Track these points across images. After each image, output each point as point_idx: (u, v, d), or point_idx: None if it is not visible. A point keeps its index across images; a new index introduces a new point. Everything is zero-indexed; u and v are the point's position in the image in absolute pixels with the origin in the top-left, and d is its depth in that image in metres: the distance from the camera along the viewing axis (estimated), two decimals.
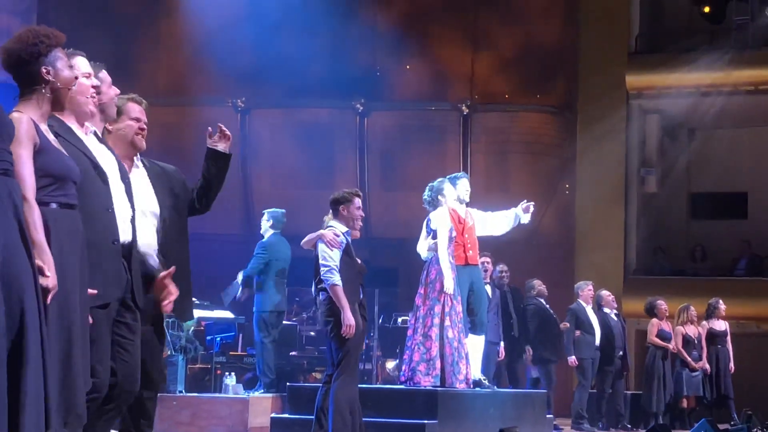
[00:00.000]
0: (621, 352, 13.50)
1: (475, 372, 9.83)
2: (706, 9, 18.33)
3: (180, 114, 16.59)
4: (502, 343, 12.23)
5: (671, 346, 13.68)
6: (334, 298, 7.72)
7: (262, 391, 11.25)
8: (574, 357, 13.10)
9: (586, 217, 17.66)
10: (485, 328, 10.22)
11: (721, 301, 14.35)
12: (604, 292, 13.69)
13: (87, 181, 4.24)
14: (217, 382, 12.21)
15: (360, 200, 8.07)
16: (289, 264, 11.61)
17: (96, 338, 4.24)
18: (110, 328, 4.40)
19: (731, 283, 17.09)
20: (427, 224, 9.65)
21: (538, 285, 13.31)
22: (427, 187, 9.74)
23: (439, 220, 9.54)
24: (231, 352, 13.50)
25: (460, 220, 9.90)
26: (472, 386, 9.55)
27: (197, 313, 10.97)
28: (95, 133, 4.60)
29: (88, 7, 16.99)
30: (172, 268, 4.78)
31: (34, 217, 3.78)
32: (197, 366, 13.04)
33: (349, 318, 7.66)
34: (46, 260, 3.74)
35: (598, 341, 13.23)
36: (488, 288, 11.73)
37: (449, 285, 9.39)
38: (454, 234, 9.61)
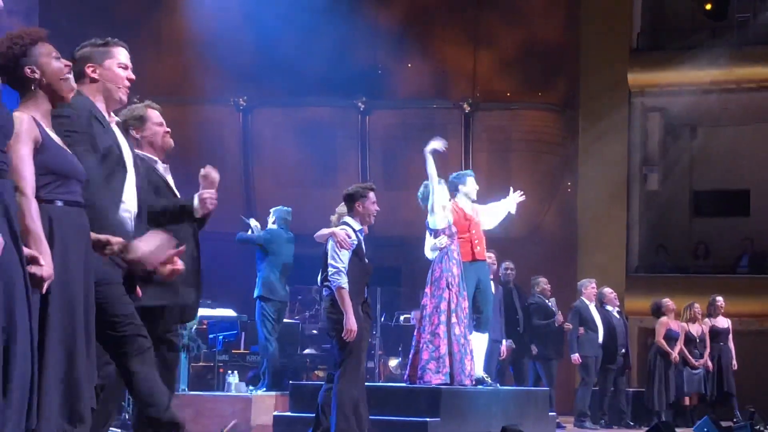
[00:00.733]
0: (623, 350, 13.50)
1: (478, 370, 9.83)
2: (708, 6, 18.32)
3: (182, 113, 16.59)
4: (504, 341, 12.24)
5: (674, 354, 13.64)
6: (339, 301, 7.67)
7: (265, 389, 11.26)
8: (577, 355, 13.10)
9: (589, 215, 17.66)
10: (490, 326, 10.23)
11: (719, 298, 14.34)
12: (607, 290, 13.69)
13: (111, 166, 4.40)
14: (220, 380, 12.22)
15: (374, 194, 7.98)
16: (292, 261, 11.62)
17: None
18: None
19: (734, 280, 17.09)
20: (426, 225, 9.64)
21: (543, 283, 13.32)
22: (422, 185, 9.70)
23: (438, 219, 9.52)
24: (234, 351, 13.52)
25: (467, 216, 9.90)
26: (474, 383, 9.54)
27: (200, 311, 10.96)
28: (117, 123, 4.72)
29: (89, 7, 17.00)
30: (183, 247, 4.62)
31: (31, 209, 3.77)
32: (200, 364, 13.06)
33: (351, 323, 7.61)
34: (41, 250, 3.72)
35: (601, 339, 13.23)
36: (492, 285, 11.71)
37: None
38: (455, 230, 9.61)
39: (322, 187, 16.76)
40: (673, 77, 17.44)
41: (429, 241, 9.58)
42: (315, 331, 14.22)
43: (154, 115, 5.47)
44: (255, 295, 11.49)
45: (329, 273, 7.75)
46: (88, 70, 4.59)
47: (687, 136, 19.01)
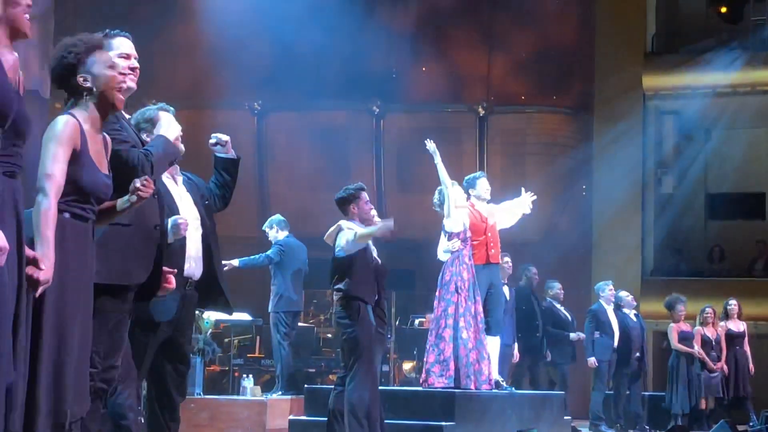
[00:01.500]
0: (638, 354, 13.46)
1: (494, 373, 9.82)
2: (723, 9, 18.30)
3: (197, 117, 16.63)
4: (516, 344, 12.22)
5: (695, 350, 13.58)
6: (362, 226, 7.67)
7: (280, 393, 11.26)
8: (593, 359, 13.07)
9: (603, 218, 17.64)
10: (501, 330, 10.21)
11: (733, 301, 14.28)
12: (624, 293, 13.65)
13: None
14: (235, 384, 12.24)
15: (365, 194, 7.99)
16: (306, 266, 11.60)
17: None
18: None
19: (749, 283, 17.03)
20: (443, 227, 9.65)
21: (557, 288, 13.30)
22: (437, 191, 9.70)
23: (453, 223, 9.52)
24: (249, 355, 13.54)
25: (482, 218, 9.91)
26: (494, 387, 9.53)
27: (215, 315, 10.98)
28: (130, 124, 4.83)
29: (105, 12, 17.05)
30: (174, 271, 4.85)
31: (49, 212, 3.76)
32: (215, 368, 13.09)
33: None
34: (46, 254, 3.69)
35: (615, 343, 13.20)
36: (505, 289, 11.71)
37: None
38: (469, 234, 9.61)
39: (336, 190, 16.64)
40: (687, 80, 17.41)
41: (443, 242, 9.59)
42: (330, 335, 14.25)
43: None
44: (270, 309, 11.44)
45: (338, 242, 7.75)
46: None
47: (702, 138, 18.96)
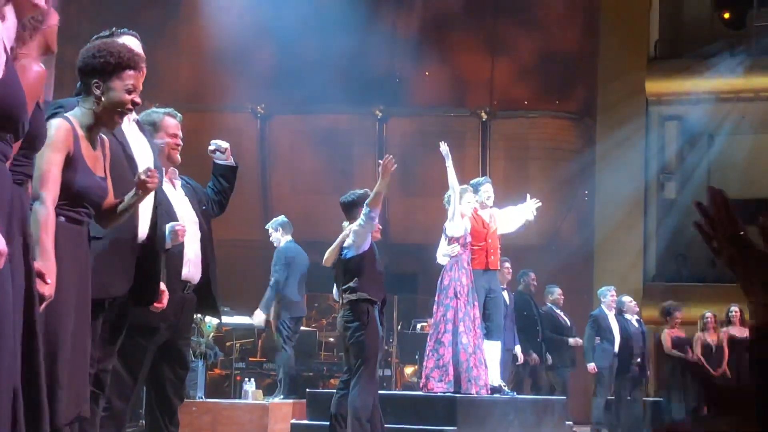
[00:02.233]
0: (639, 359, 13.45)
1: (494, 378, 9.82)
2: (727, 15, 18.29)
3: (200, 120, 16.62)
4: (517, 347, 12.19)
5: (690, 354, 13.59)
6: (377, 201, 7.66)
7: (282, 396, 11.26)
8: (593, 364, 13.06)
9: (606, 223, 17.63)
10: (501, 334, 10.21)
11: (735, 308, 14.26)
12: (626, 298, 13.65)
13: (118, 171, 4.33)
14: (237, 388, 12.23)
15: None
16: (308, 269, 11.59)
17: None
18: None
19: None
20: (444, 230, 9.65)
21: (558, 293, 13.30)
22: (450, 189, 9.70)
23: (455, 227, 9.52)
24: (251, 358, 13.54)
25: (485, 224, 9.91)
26: (490, 392, 9.53)
27: (216, 319, 10.96)
28: (137, 122, 4.76)
29: (109, 14, 17.05)
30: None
31: (48, 221, 3.76)
32: (217, 372, 13.08)
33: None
34: (49, 267, 3.70)
35: (616, 349, 13.19)
36: (505, 294, 11.71)
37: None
38: (469, 239, 9.61)
39: (339, 194, 16.60)
40: (690, 85, 17.41)
41: (443, 246, 9.59)
42: (332, 339, 14.24)
43: (171, 124, 5.31)
44: (272, 317, 11.42)
45: (347, 242, 7.75)
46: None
47: (705, 144, 18.95)
